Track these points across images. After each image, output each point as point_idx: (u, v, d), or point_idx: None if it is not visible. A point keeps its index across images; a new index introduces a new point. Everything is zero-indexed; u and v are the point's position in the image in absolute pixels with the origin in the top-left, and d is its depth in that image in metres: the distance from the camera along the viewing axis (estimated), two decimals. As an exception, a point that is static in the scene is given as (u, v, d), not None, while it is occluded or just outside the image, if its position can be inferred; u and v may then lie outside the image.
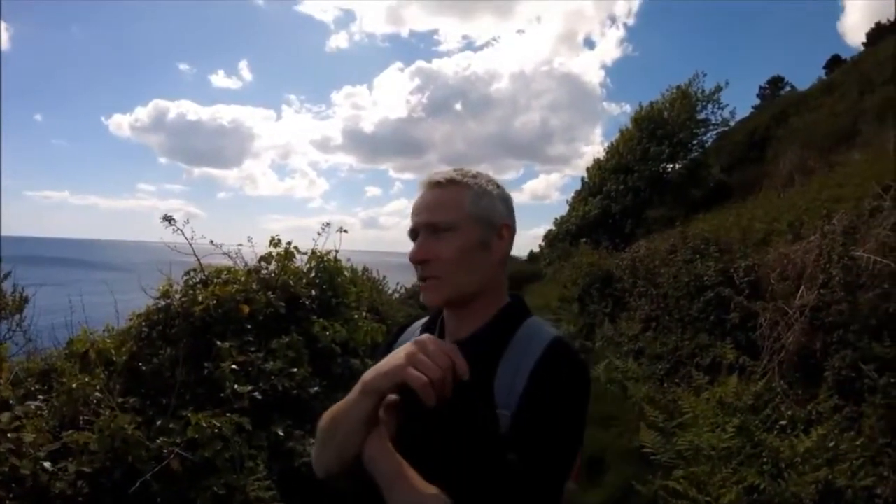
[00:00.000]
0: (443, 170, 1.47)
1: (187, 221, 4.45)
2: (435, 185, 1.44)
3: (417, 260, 1.41)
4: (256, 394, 3.67)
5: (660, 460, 4.61)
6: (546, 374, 1.28)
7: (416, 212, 1.44)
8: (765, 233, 7.97)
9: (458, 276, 1.39)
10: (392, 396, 1.33)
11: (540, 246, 33.32)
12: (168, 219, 4.37)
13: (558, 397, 1.27)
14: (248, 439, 3.47)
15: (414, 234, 1.44)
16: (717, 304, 6.59)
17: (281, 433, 3.69)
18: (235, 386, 3.62)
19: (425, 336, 1.28)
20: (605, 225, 23.98)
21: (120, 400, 3.33)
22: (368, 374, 1.30)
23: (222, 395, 3.60)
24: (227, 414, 3.37)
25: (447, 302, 1.43)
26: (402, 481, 1.23)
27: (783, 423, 4.55)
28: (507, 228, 1.45)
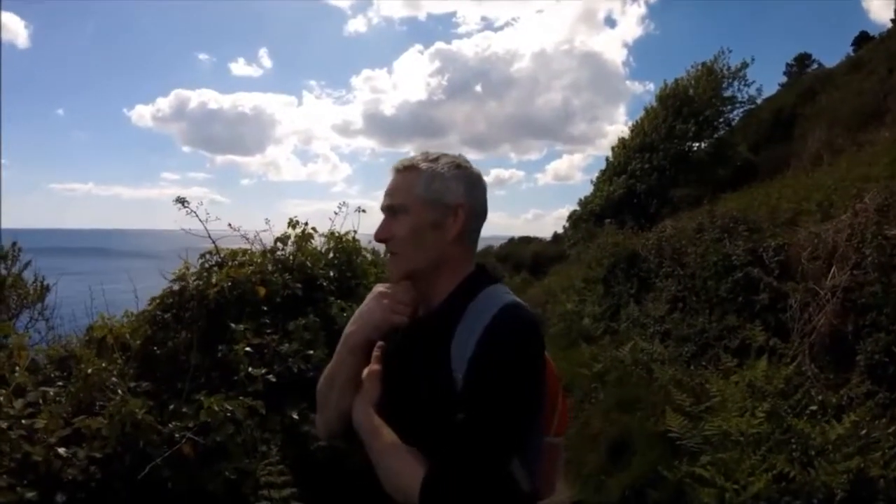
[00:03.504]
0: (409, 156, 1.67)
1: (201, 203, 4.41)
2: (397, 171, 1.65)
3: (378, 239, 1.65)
4: (270, 376, 3.61)
5: (686, 445, 4.51)
6: (491, 339, 1.43)
7: (384, 195, 1.66)
8: (793, 212, 7.81)
9: (413, 253, 1.58)
10: (375, 366, 1.62)
11: (564, 227, 33.12)
12: (181, 201, 4.30)
13: (501, 361, 1.42)
14: (262, 423, 3.42)
15: (383, 211, 1.66)
16: (746, 285, 6.43)
17: (296, 416, 3.63)
18: (249, 369, 3.57)
19: (381, 287, 1.64)
20: (629, 205, 23.73)
21: (132, 384, 3.30)
22: (353, 332, 1.61)
23: (236, 378, 3.55)
24: (241, 397, 3.33)
25: (405, 275, 1.61)
26: (380, 440, 1.49)
27: (814, 408, 4.43)
28: (462, 208, 1.59)
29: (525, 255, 32.39)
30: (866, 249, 5.07)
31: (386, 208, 1.63)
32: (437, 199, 1.58)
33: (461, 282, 1.61)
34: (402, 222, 1.58)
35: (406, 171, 1.63)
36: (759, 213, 8.17)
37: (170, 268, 4.29)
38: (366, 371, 1.62)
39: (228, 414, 3.15)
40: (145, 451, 2.98)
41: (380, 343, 1.65)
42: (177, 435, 3.07)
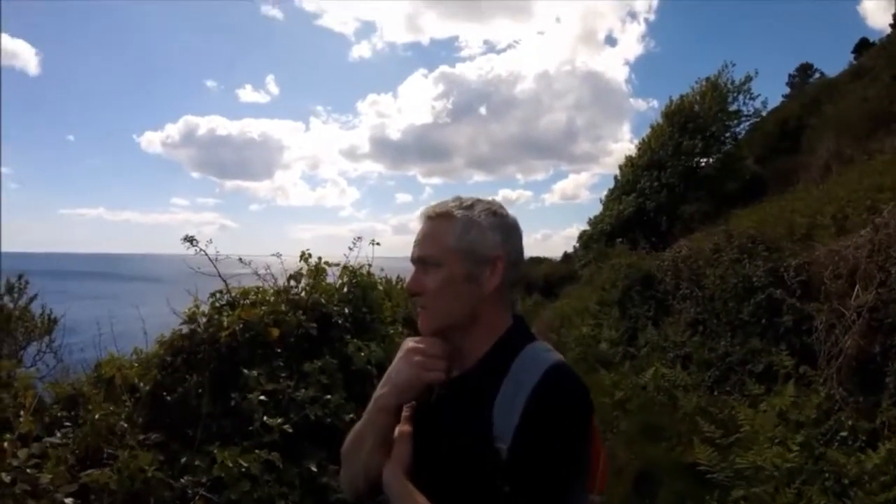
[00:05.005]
0: (443, 201, 1.57)
1: (210, 241, 4.29)
2: (428, 219, 1.54)
3: (410, 292, 1.55)
4: (287, 426, 3.44)
5: (716, 478, 4.36)
6: (538, 407, 1.32)
7: (414, 244, 1.54)
8: (807, 227, 7.67)
9: (445, 308, 1.47)
10: (407, 427, 1.49)
11: (574, 246, 33.03)
12: (189, 239, 4.17)
13: (549, 431, 1.31)
14: (279, 477, 3.27)
15: (413, 262, 1.54)
16: (769, 307, 6.27)
17: (314, 468, 3.47)
18: (265, 418, 3.42)
19: (410, 342, 1.50)
20: (640, 223, 23.59)
21: (141, 437, 3.17)
22: (383, 395, 1.47)
23: (251, 428, 3.40)
24: (256, 450, 3.20)
25: (436, 331, 1.49)
26: None
27: (844, 434, 4.28)
28: (500, 260, 1.48)
29: (536, 277, 32.15)
30: (891, 267, 4.92)
31: (417, 259, 1.52)
32: (472, 250, 1.48)
33: (499, 339, 1.49)
34: (433, 276, 1.48)
35: (438, 219, 1.52)
36: (775, 230, 8.02)
37: (177, 292, 4.22)
38: (397, 431, 1.50)
39: (243, 469, 3.03)
40: (156, 508, 2.86)
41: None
42: (189, 491, 2.95)
